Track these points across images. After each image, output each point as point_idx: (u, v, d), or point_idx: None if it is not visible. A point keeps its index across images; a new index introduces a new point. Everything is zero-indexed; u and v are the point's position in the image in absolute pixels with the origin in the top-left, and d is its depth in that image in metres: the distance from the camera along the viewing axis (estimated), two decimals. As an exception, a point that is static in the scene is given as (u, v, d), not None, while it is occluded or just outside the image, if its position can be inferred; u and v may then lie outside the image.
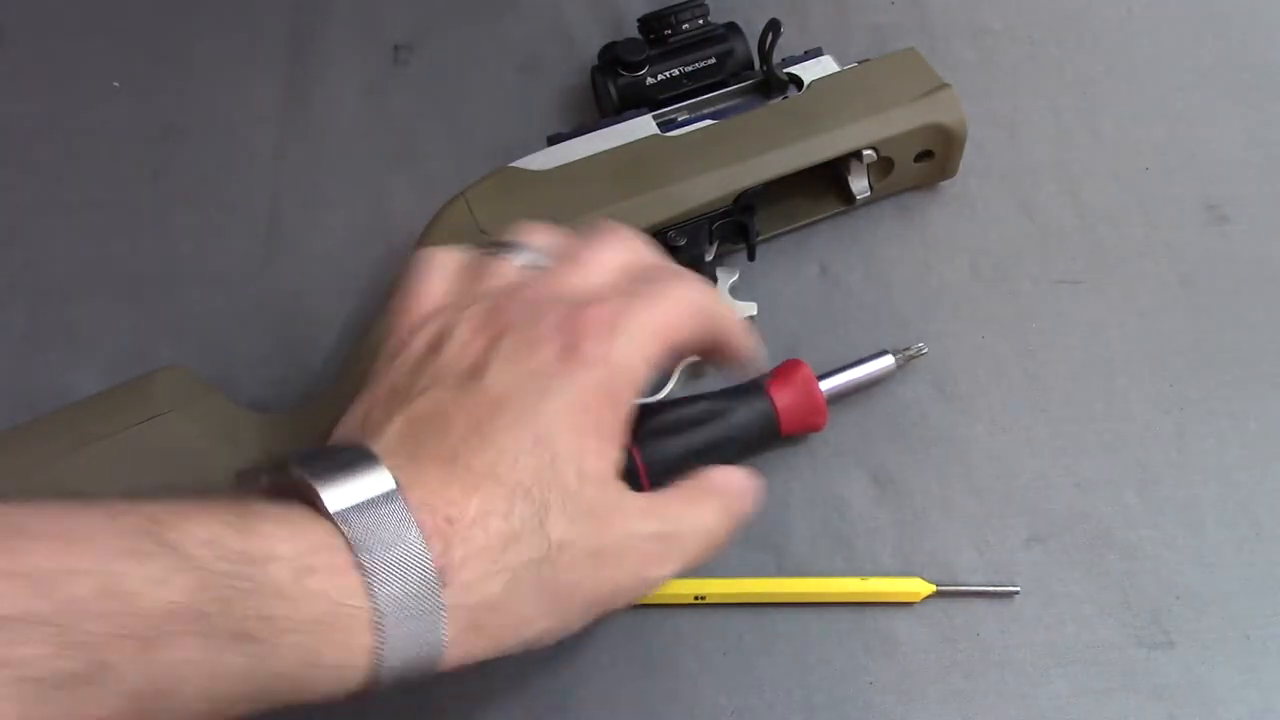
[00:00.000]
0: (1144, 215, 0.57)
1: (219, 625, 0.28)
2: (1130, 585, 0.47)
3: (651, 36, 0.55)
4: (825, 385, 0.49)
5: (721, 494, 0.38)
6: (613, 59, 0.55)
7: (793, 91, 0.55)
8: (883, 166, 0.54)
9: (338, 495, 0.30)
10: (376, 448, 0.32)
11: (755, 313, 0.52)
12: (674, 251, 0.51)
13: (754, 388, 0.49)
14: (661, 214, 0.51)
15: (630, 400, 0.36)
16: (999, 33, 0.62)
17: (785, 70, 0.55)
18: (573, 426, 0.34)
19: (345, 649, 0.30)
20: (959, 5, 0.63)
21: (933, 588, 0.47)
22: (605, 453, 0.35)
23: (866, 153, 0.53)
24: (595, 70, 0.57)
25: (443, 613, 0.31)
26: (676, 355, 0.38)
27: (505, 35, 0.62)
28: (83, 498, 0.28)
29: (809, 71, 0.55)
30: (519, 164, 0.52)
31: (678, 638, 0.46)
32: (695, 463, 0.47)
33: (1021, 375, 0.52)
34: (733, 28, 0.56)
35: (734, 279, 0.53)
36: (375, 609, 0.30)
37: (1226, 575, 0.48)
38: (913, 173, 0.55)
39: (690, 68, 0.55)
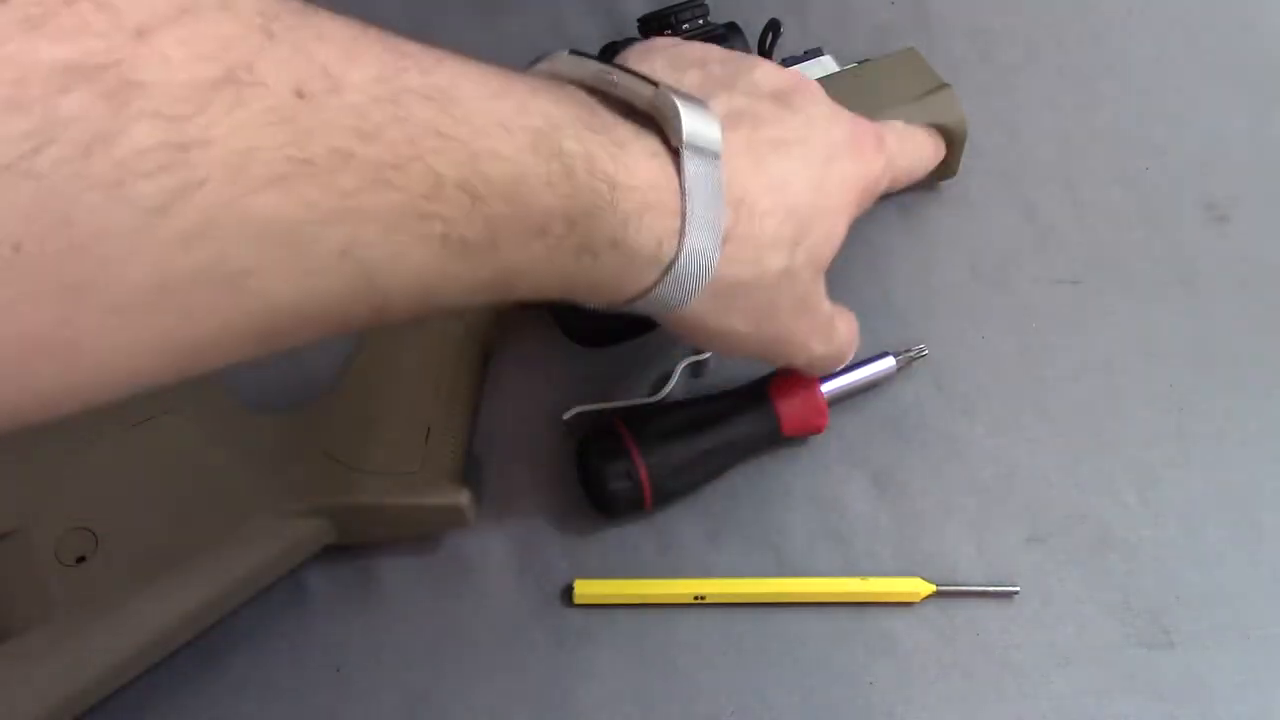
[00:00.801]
0: (1144, 215, 0.57)
1: (579, 235, 0.31)
2: (1130, 585, 0.47)
3: (651, 36, 0.55)
4: (826, 387, 0.49)
5: (855, 326, 0.45)
6: (613, 59, 0.55)
7: (793, 91, 0.55)
8: (883, 166, 0.54)
9: (692, 128, 0.33)
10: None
11: (755, 313, 0.52)
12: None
13: (755, 389, 0.49)
14: (661, 214, 0.51)
15: (864, 205, 0.42)
16: (999, 33, 0.62)
17: (785, 70, 0.55)
18: (841, 195, 0.39)
19: (639, 281, 0.34)
20: (959, 5, 0.63)
21: (933, 588, 0.47)
22: (843, 230, 0.40)
23: (866, 153, 0.53)
24: (595, 70, 0.57)
25: (712, 273, 0.35)
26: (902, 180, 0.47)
27: (505, 35, 0.62)
28: (494, 72, 0.31)
29: (809, 71, 0.55)
30: (519, 164, 0.52)
31: (678, 638, 0.46)
32: (697, 464, 0.47)
33: (1021, 375, 0.52)
34: (733, 28, 0.56)
35: (734, 279, 0.53)
36: (675, 257, 0.34)
37: (1226, 575, 0.48)
38: (913, 173, 0.55)
39: (690, 68, 0.55)
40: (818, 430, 0.49)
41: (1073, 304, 0.54)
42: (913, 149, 0.50)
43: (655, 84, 0.34)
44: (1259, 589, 0.47)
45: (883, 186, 0.43)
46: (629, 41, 0.54)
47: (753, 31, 0.55)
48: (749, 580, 0.47)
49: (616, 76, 0.34)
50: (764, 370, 0.50)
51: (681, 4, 0.55)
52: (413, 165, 0.27)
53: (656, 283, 0.34)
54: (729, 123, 0.36)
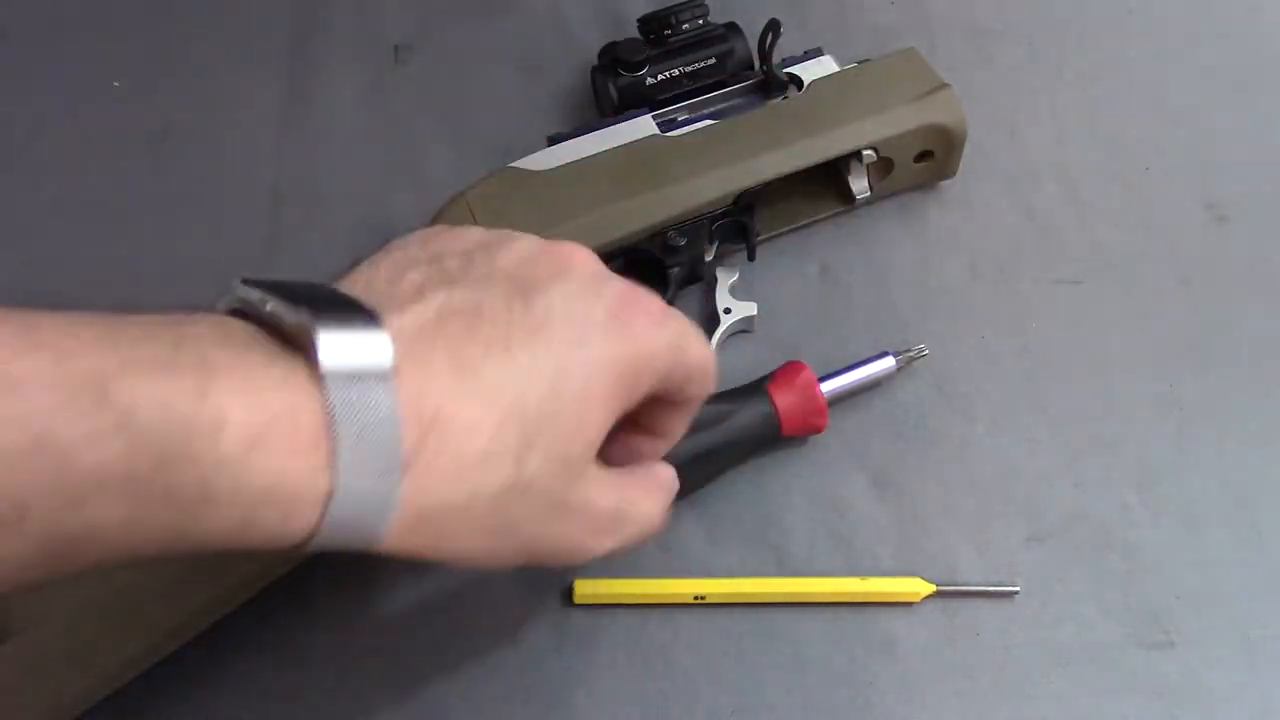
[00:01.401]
0: (1144, 215, 0.57)
1: (152, 489, 0.26)
2: (1130, 585, 0.47)
3: (651, 36, 0.55)
4: (826, 387, 0.49)
5: (667, 489, 0.39)
6: (613, 59, 0.55)
7: (793, 91, 0.55)
8: (883, 166, 0.54)
9: (335, 353, 0.29)
10: (397, 319, 0.31)
11: (755, 312, 0.52)
12: (674, 252, 0.51)
13: (755, 389, 0.49)
14: (661, 214, 0.51)
15: (645, 390, 0.36)
16: (999, 33, 0.62)
17: (785, 70, 0.55)
18: (592, 382, 0.34)
19: (283, 523, 0.29)
20: (959, 5, 0.63)
21: (933, 588, 0.47)
22: (603, 420, 0.34)
23: (866, 153, 0.53)
24: (595, 70, 0.57)
25: (394, 507, 0.30)
26: (672, 375, 0.37)
27: (505, 35, 0.62)
28: (37, 323, 0.27)
29: (809, 71, 0.55)
30: (519, 164, 0.52)
31: (678, 638, 0.46)
32: (696, 465, 0.47)
33: (1021, 375, 0.52)
34: (733, 28, 0.56)
35: (734, 279, 0.53)
36: (327, 490, 0.29)
37: (1226, 575, 0.48)
38: (913, 173, 0.55)
39: (690, 68, 0.55)
40: (818, 430, 0.49)
41: (1073, 304, 0.54)
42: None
43: (296, 309, 0.29)
44: (1259, 589, 0.47)
45: (664, 365, 0.36)
46: (629, 41, 0.55)
47: (753, 31, 0.55)
48: (749, 580, 0.47)
49: (271, 305, 0.30)
50: (764, 370, 0.50)
51: (681, 4, 0.55)
52: None
53: (319, 524, 0.29)
54: (431, 331, 0.31)
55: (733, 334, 0.53)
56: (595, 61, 0.57)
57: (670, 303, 0.51)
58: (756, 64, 0.55)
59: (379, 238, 0.55)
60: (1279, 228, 0.56)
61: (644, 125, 0.53)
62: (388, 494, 0.29)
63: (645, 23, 0.56)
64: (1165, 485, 0.50)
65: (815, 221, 0.56)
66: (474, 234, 0.37)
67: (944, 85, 0.54)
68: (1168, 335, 0.53)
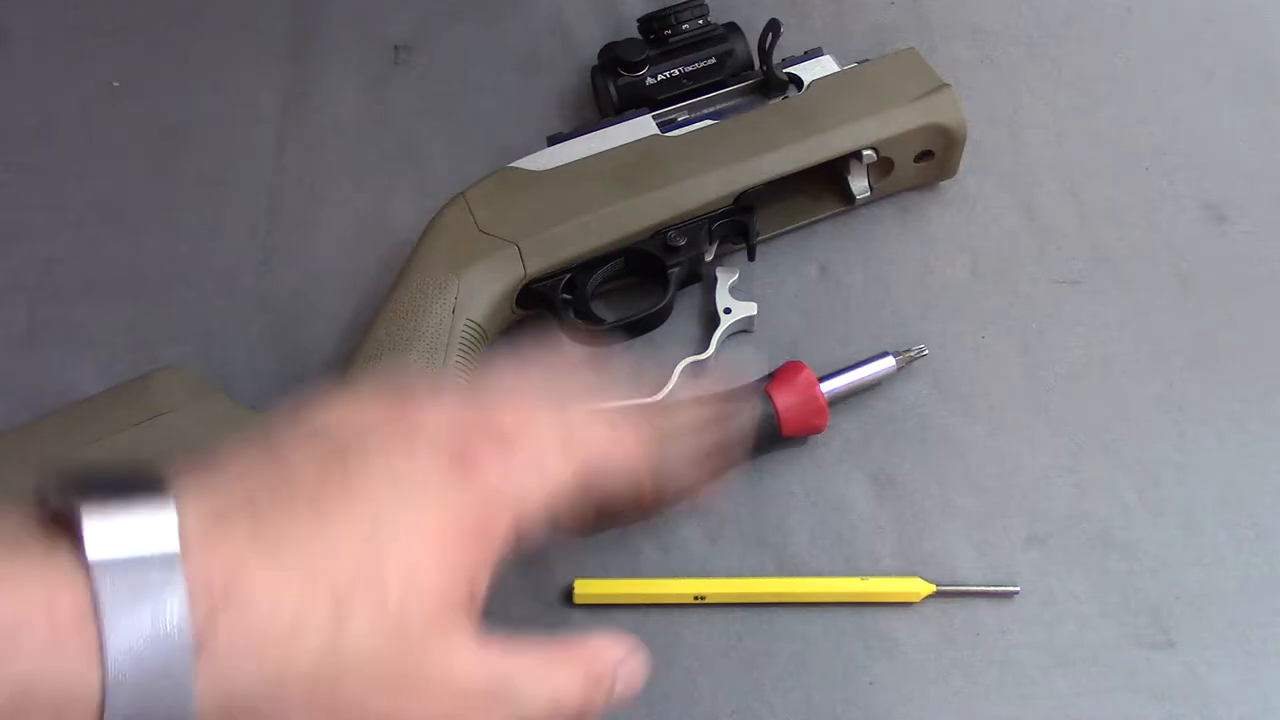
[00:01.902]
0: (1144, 215, 0.57)
1: None
2: (1130, 585, 0.47)
3: (651, 36, 0.55)
4: (826, 387, 0.49)
5: (585, 665, 0.34)
6: (613, 59, 0.55)
7: (793, 91, 0.55)
8: (883, 166, 0.54)
9: (103, 535, 0.26)
10: (193, 494, 0.28)
11: (755, 312, 0.52)
12: (674, 252, 0.51)
13: (755, 389, 0.49)
14: (661, 214, 0.51)
15: (507, 536, 0.32)
16: (999, 33, 0.62)
17: (785, 70, 0.55)
18: (423, 539, 0.30)
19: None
20: (959, 5, 0.63)
21: (933, 588, 0.47)
22: (451, 577, 0.30)
23: (866, 153, 0.53)
24: (595, 70, 0.57)
25: (190, 698, 0.26)
26: (586, 496, 0.33)
27: (505, 35, 0.62)
28: None
29: (809, 71, 0.55)
30: (519, 164, 0.52)
31: (678, 638, 0.46)
32: (697, 465, 0.47)
33: (1021, 375, 0.52)
34: (733, 28, 0.56)
35: (734, 279, 0.53)
36: (99, 685, 0.25)
37: (1226, 575, 0.48)
38: (913, 173, 0.55)
39: (690, 68, 0.55)
40: (818, 430, 0.49)
41: (1073, 304, 0.54)
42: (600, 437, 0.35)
43: (63, 491, 0.27)
44: (1259, 589, 0.47)
45: (533, 500, 0.32)
46: (629, 41, 0.55)
47: (753, 31, 0.55)
48: (749, 580, 0.47)
49: (40, 485, 0.28)
50: (764, 370, 0.50)
51: (681, 4, 0.55)
52: None
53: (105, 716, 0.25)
54: (236, 508, 0.29)
55: (733, 334, 0.53)
56: (595, 61, 0.57)
57: (670, 303, 0.51)
58: (756, 64, 0.55)
59: (379, 238, 0.55)
60: (1279, 228, 0.56)
61: (644, 125, 0.53)
62: (179, 685, 0.26)
63: (645, 23, 0.56)
64: (1165, 485, 0.50)
65: (815, 221, 0.56)
66: (323, 414, 0.33)
67: (944, 85, 0.54)
68: (1168, 335, 0.53)
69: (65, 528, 0.27)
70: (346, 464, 0.30)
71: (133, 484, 0.28)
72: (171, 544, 0.27)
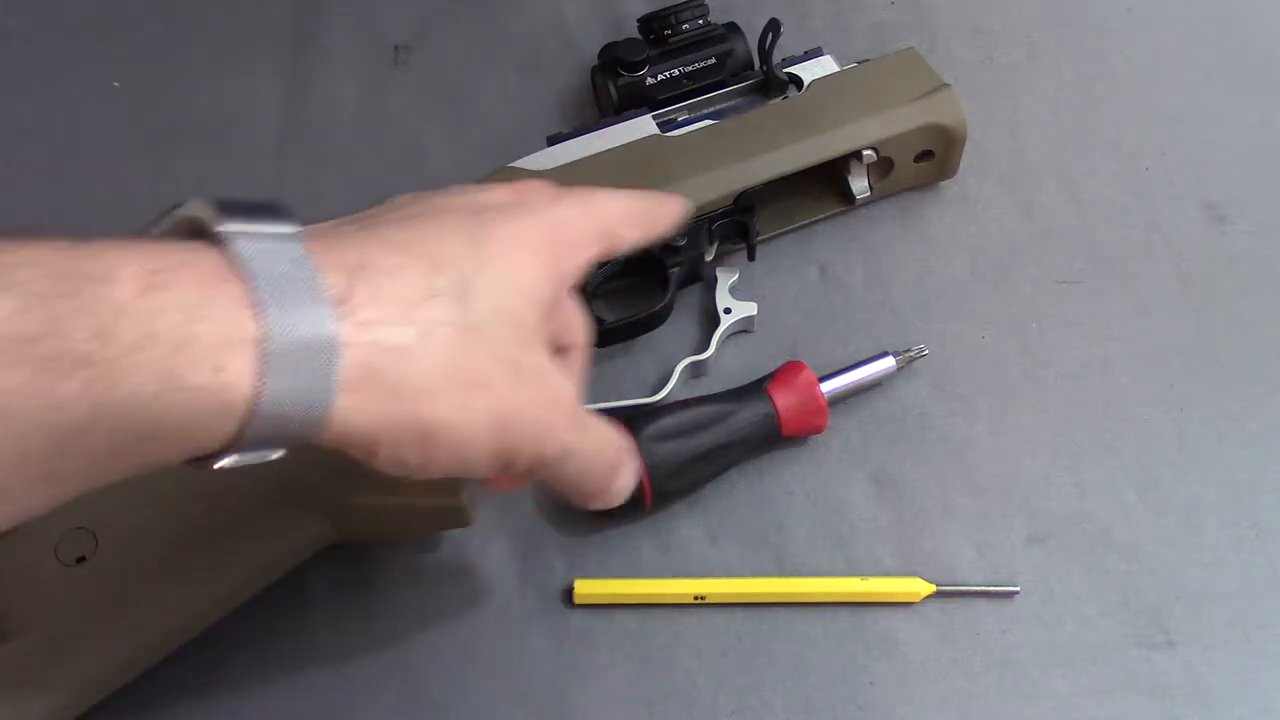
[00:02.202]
0: (1144, 215, 0.57)
1: (50, 349, 0.25)
2: (1130, 585, 0.47)
3: (651, 36, 0.55)
4: (826, 387, 0.49)
5: (623, 454, 0.37)
6: (613, 59, 0.55)
7: (793, 91, 0.55)
8: (883, 166, 0.54)
9: (232, 223, 0.28)
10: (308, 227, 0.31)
11: (755, 312, 0.52)
12: (674, 251, 0.51)
13: (755, 389, 0.49)
14: (661, 214, 0.51)
15: (576, 259, 0.35)
16: (999, 33, 0.62)
17: (785, 70, 0.55)
18: (503, 240, 0.33)
19: (216, 376, 0.27)
20: (959, 5, 0.63)
21: (933, 588, 0.47)
22: (538, 282, 0.33)
23: (866, 153, 0.53)
24: (595, 70, 0.57)
25: (338, 346, 0.28)
26: (617, 237, 0.37)
27: (505, 35, 0.62)
28: None
29: (809, 71, 0.55)
30: (519, 164, 0.52)
31: (678, 638, 0.46)
32: (696, 465, 0.47)
33: (1021, 375, 0.52)
34: (733, 28, 0.56)
35: (734, 279, 0.53)
36: (255, 333, 0.27)
37: (1226, 575, 0.48)
38: (913, 173, 0.55)
39: (690, 68, 0.55)
40: (818, 430, 0.49)
41: (1073, 304, 0.54)
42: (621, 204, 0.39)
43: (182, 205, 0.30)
44: (1259, 589, 0.47)
45: (587, 231, 0.36)
46: (629, 41, 0.55)
47: (753, 31, 0.55)
48: (749, 580, 0.47)
49: (158, 226, 0.30)
50: (764, 370, 0.50)
51: (681, 4, 0.55)
52: None
53: (260, 374, 0.27)
54: (349, 229, 0.32)
55: (733, 334, 0.53)
56: (595, 61, 0.57)
57: (670, 303, 0.51)
58: (756, 64, 0.55)
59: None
60: (1279, 228, 0.56)
61: (644, 125, 0.53)
62: (327, 333, 0.28)
63: (645, 23, 0.56)
64: (1165, 485, 0.50)
65: (815, 221, 0.56)
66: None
67: (944, 85, 0.54)
68: (1168, 335, 0.53)
69: (202, 236, 0.29)
70: (431, 200, 0.35)
71: (259, 205, 0.30)
72: (299, 240, 0.29)
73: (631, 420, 0.47)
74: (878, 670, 0.46)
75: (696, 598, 0.46)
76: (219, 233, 0.28)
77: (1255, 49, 0.62)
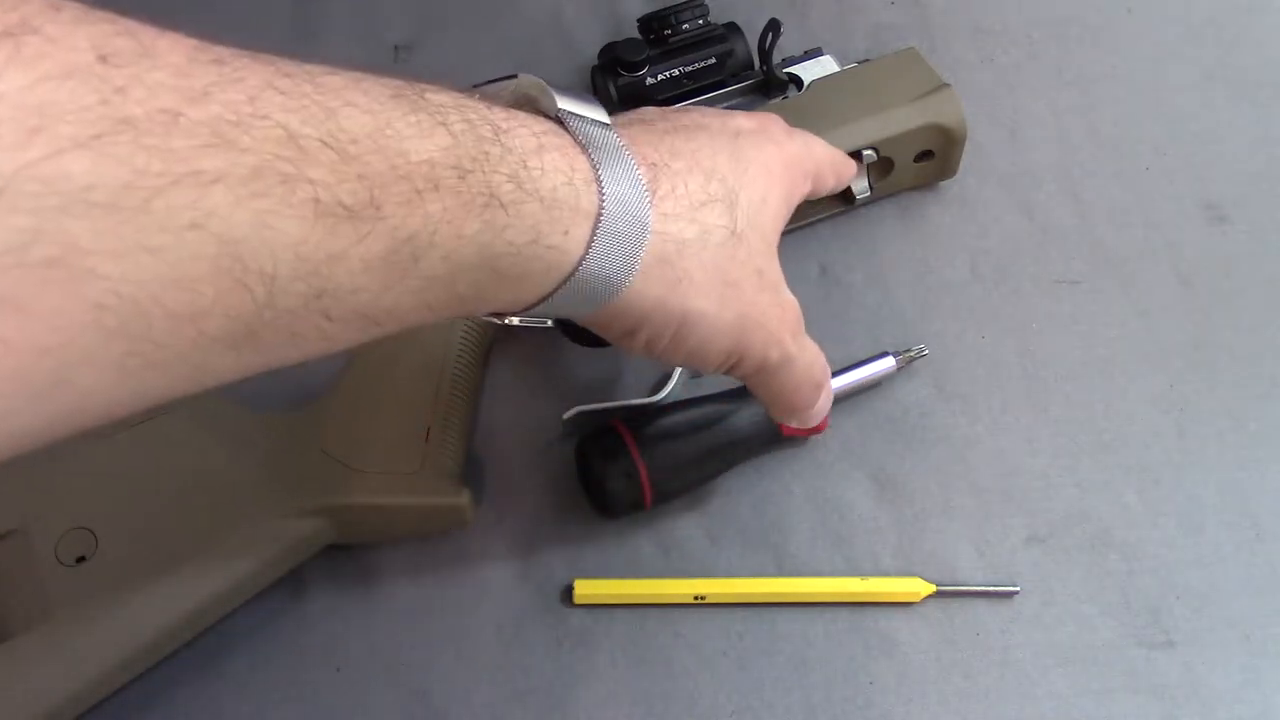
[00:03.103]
0: (1144, 215, 0.57)
1: (474, 184, 0.29)
2: (1130, 585, 0.47)
3: (651, 36, 0.55)
4: (825, 385, 0.49)
5: (828, 376, 0.43)
6: (613, 59, 0.55)
7: (793, 91, 0.55)
8: (883, 166, 0.54)
9: (567, 102, 0.33)
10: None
11: (755, 313, 0.52)
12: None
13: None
14: (661, 214, 0.51)
15: (801, 189, 0.41)
16: (999, 33, 0.62)
17: (785, 70, 0.55)
18: (758, 163, 0.38)
19: (563, 235, 0.31)
20: (959, 5, 0.63)
21: (933, 588, 0.47)
22: (774, 201, 0.38)
23: (866, 153, 0.53)
24: (595, 70, 0.57)
25: (648, 225, 0.33)
26: (821, 179, 0.43)
27: (505, 35, 0.62)
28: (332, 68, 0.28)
29: (809, 71, 0.55)
30: (519, 164, 0.52)
31: (678, 638, 0.46)
32: (696, 465, 0.47)
33: (1021, 375, 0.52)
34: (733, 28, 0.56)
35: (734, 279, 0.53)
36: (597, 206, 0.32)
37: (1226, 575, 0.48)
38: (913, 173, 0.55)
39: (690, 68, 0.55)
40: (818, 430, 0.49)
41: (1073, 304, 0.54)
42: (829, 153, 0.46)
43: (521, 81, 0.35)
44: (1259, 589, 0.47)
45: (809, 168, 0.42)
46: (629, 41, 0.55)
47: (753, 31, 0.55)
48: (749, 580, 0.47)
49: (481, 91, 0.33)
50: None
51: (681, 4, 0.55)
52: (257, 123, 0.24)
53: (590, 243, 0.32)
54: (639, 131, 0.37)
55: (733, 334, 0.53)
56: (595, 61, 0.57)
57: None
58: (756, 64, 0.55)
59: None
60: (1279, 228, 0.56)
61: (644, 125, 0.53)
62: (641, 211, 0.33)
63: (645, 23, 0.56)
64: (1165, 485, 0.50)
65: (815, 221, 0.56)
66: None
67: (944, 85, 0.54)
68: (1168, 335, 0.53)
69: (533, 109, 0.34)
70: (689, 116, 0.39)
71: (579, 93, 0.35)
72: (614, 130, 0.34)
73: (631, 420, 0.47)
74: (878, 670, 0.46)
75: (696, 598, 0.46)
76: (561, 111, 0.33)
77: (1255, 49, 0.62)
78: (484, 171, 0.29)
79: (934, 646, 0.46)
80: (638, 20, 0.56)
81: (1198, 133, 0.59)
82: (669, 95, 0.55)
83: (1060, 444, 0.50)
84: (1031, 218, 0.56)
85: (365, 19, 0.63)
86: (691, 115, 0.39)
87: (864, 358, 0.51)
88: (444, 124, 0.28)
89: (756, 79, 0.56)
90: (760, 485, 0.49)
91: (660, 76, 0.55)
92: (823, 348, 0.52)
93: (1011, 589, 0.47)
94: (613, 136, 0.33)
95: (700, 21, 0.55)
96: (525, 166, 0.30)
